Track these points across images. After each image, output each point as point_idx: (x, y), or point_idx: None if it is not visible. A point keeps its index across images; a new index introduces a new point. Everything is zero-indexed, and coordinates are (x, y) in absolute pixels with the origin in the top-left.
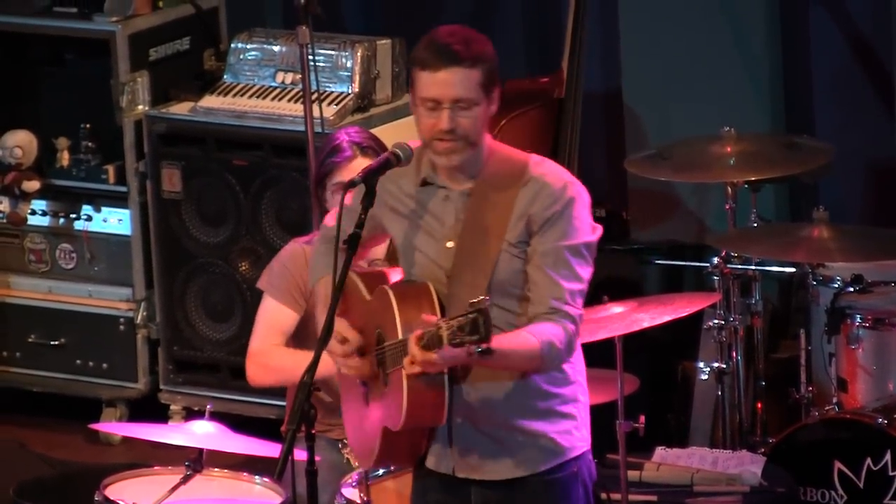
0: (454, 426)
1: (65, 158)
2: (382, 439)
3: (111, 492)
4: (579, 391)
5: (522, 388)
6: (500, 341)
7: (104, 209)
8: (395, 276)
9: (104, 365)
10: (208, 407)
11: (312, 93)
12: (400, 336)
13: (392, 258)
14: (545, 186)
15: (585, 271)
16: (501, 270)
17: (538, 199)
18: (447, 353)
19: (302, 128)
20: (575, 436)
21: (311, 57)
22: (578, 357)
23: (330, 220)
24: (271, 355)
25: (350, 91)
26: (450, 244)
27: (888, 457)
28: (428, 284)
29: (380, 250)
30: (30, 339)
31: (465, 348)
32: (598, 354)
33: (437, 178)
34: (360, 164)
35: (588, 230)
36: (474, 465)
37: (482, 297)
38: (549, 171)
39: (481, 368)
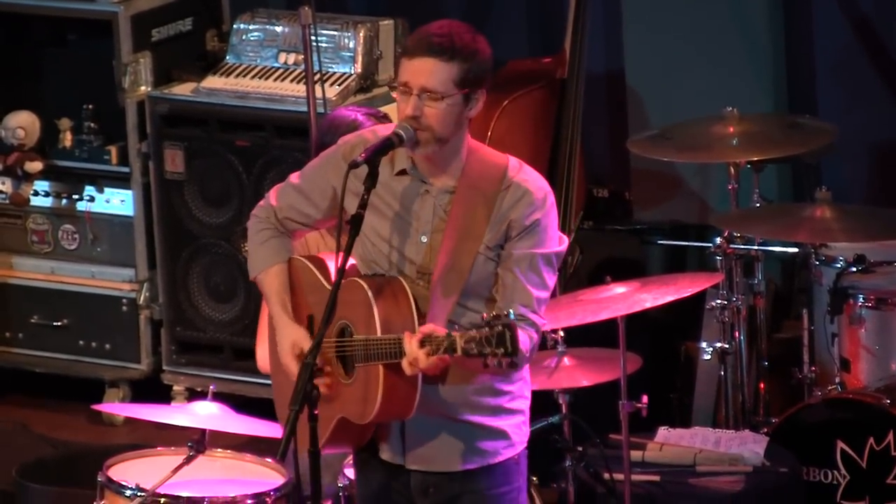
0: (407, 421)
1: (67, 139)
2: (336, 428)
3: (114, 472)
4: (525, 388)
5: (475, 386)
6: None
7: (107, 190)
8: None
9: (107, 346)
10: (211, 388)
11: (315, 73)
12: (379, 333)
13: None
14: (527, 193)
15: (551, 280)
16: (476, 272)
17: (519, 206)
18: (459, 361)
19: (304, 108)
20: (523, 430)
21: (313, 37)
22: None
23: (273, 198)
24: None
25: (352, 72)
26: (424, 239)
27: (891, 436)
28: (402, 281)
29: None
30: (32, 320)
31: (486, 359)
32: (600, 335)
33: (416, 172)
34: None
35: (557, 240)
36: (426, 457)
37: (506, 311)
38: (530, 178)
39: (454, 371)
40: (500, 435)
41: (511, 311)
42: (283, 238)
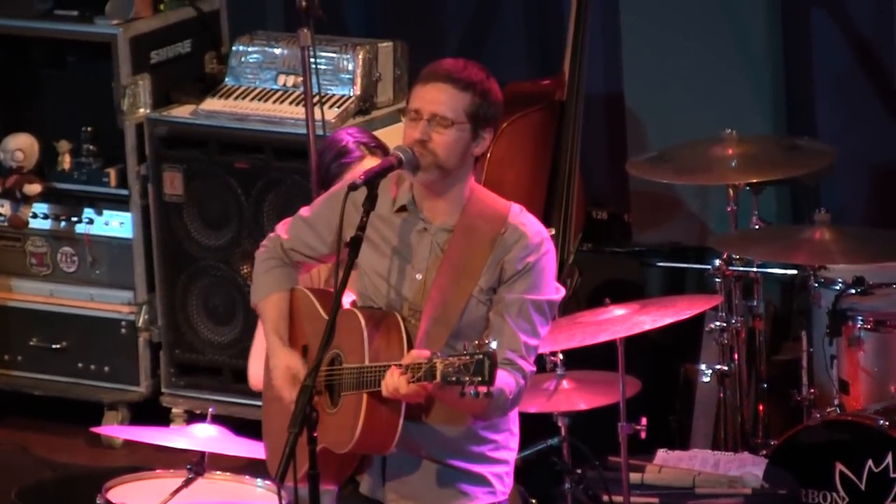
0: (389, 457)
1: (66, 161)
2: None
3: (113, 495)
4: (511, 441)
5: (459, 430)
6: None
7: (106, 212)
8: (346, 297)
9: (106, 368)
10: (210, 410)
11: (314, 95)
12: (367, 362)
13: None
14: (522, 237)
15: (543, 329)
16: (468, 315)
17: (514, 249)
18: (435, 389)
19: (303, 130)
20: (505, 481)
21: (312, 59)
22: (515, 410)
23: (282, 230)
24: None
25: (351, 94)
26: (419, 276)
27: (889, 458)
28: (397, 317)
29: (323, 269)
30: (31, 343)
31: (463, 387)
32: (599, 357)
33: (416, 209)
34: (370, 163)
35: (553, 289)
36: (404, 493)
37: (487, 341)
38: (528, 223)
39: (439, 409)
40: (482, 480)
41: (494, 342)
42: (287, 268)
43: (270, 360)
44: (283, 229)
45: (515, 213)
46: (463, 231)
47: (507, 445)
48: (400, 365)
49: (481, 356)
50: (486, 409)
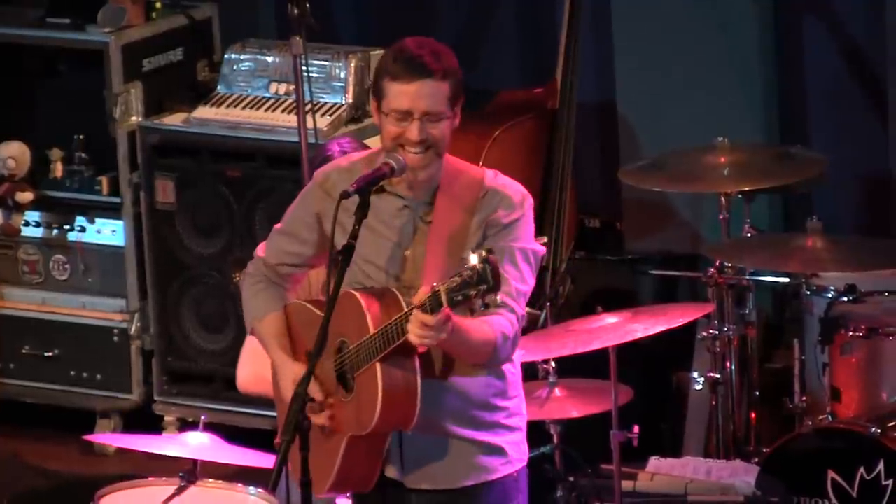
0: (405, 437)
1: (58, 169)
2: (344, 456)
3: (105, 503)
4: (521, 405)
5: (471, 401)
6: (462, 321)
7: (98, 220)
8: None
9: (98, 376)
10: (202, 418)
11: (306, 103)
12: (371, 331)
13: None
14: (505, 198)
15: (531, 277)
16: None
17: (499, 208)
18: (445, 315)
19: (296, 138)
20: (521, 448)
21: (304, 67)
22: (518, 373)
23: (261, 251)
24: (264, 365)
25: (344, 102)
26: (407, 253)
27: (881, 466)
28: (394, 290)
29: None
30: (23, 351)
31: (471, 302)
32: (591, 365)
33: (394, 188)
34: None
35: (535, 243)
36: (424, 474)
37: (483, 249)
38: (508, 184)
39: (450, 367)
40: (498, 451)
41: (480, 251)
42: (275, 288)
43: (278, 376)
44: (261, 250)
45: (491, 177)
46: (444, 201)
47: (518, 411)
48: (411, 311)
49: (481, 264)
50: (490, 352)
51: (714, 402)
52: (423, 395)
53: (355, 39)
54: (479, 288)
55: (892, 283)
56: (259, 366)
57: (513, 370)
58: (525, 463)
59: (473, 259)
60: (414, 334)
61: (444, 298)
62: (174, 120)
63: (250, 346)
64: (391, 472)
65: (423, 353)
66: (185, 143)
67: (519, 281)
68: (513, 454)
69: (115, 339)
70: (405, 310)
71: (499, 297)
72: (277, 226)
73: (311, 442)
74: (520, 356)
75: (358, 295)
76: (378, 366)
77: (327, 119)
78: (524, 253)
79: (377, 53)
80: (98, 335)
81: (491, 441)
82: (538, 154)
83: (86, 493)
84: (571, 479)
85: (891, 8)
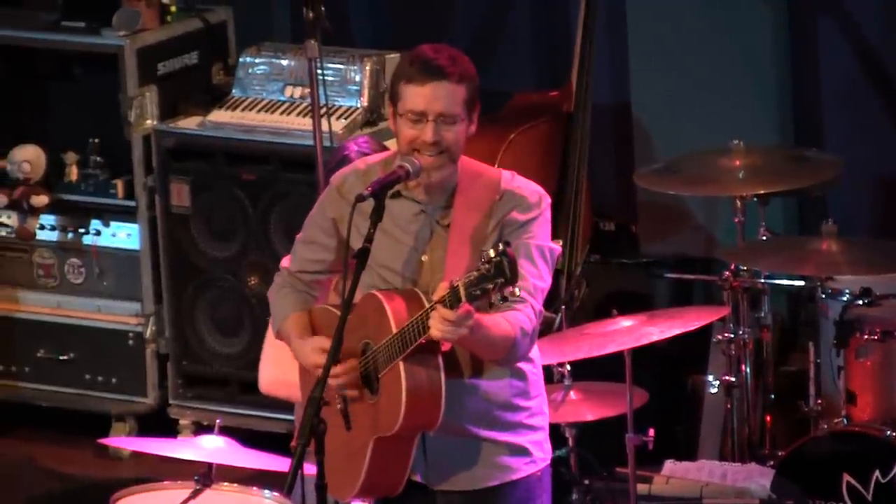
0: (428, 439)
1: (73, 173)
2: (371, 460)
3: None
4: (543, 405)
5: (493, 401)
6: (482, 317)
7: (113, 224)
8: None
9: (113, 380)
10: (217, 421)
11: (321, 107)
12: (394, 330)
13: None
14: (522, 199)
15: (547, 274)
16: None
17: (515, 210)
18: (466, 310)
19: (311, 142)
20: (544, 447)
21: (319, 71)
22: (540, 372)
23: (286, 262)
24: (289, 370)
25: (359, 105)
26: (425, 258)
27: None
28: (416, 290)
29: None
30: (39, 354)
31: (490, 296)
32: (607, 368)
33: (411, 192)
34: None
35: (551, 241)
36: (448, 476)
37: (500, 243)
38: (524, 185)
39: (473, 366)
40: (521, 451)
41: (499, 245)
42: (299, 293)
43: (301, 355)
44: (285, 262)
45: (508, 179)
46: (462, 204)
47: (541, 411)
48: (432, 308)
49: (498, 257)
50: (510, 348)
51: (729, 406)
52: (446, 396)
53: (370, 43)
54: (497, 281)
55: None
56: (283, 369)
57: (534, 370)
58: (548, 462)
59: (491, 253)
60: (436, 328)
61: (462, 293)
62: (189, 123)
63: (271, 346)
64: (415, 474)
65: (445, 354)
66: (200, 147)
67: (536, 277)
68: (536, 453)
69: (131, 342)
70: (425, 305)
71: (517, 290)
72: (298, 236)
73: (336, 447)
74: (539, 356)
75: (380, 295)
76: (401, 365)
77: (342, 122)
78: (541, 250)
79: (392, 57)
80: (113, 339)
81: (514, 441)
82: (553, 157)
83: (101, 496)
84: (587, 482)
85: None
